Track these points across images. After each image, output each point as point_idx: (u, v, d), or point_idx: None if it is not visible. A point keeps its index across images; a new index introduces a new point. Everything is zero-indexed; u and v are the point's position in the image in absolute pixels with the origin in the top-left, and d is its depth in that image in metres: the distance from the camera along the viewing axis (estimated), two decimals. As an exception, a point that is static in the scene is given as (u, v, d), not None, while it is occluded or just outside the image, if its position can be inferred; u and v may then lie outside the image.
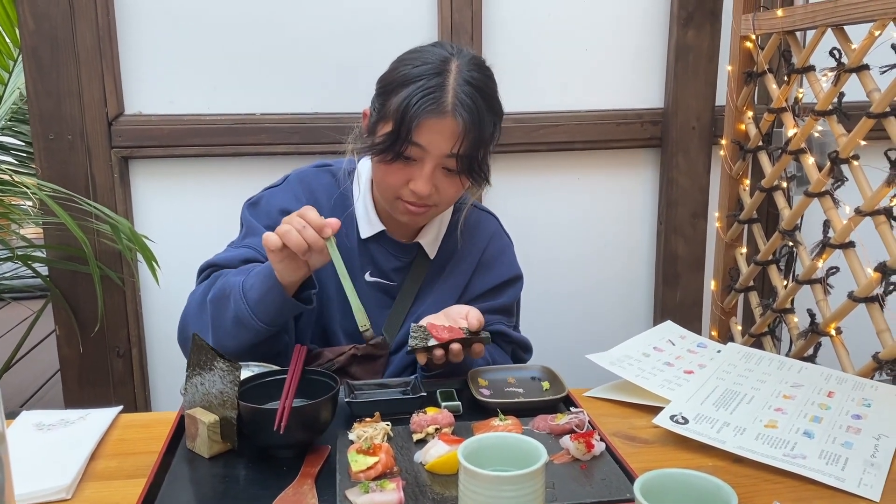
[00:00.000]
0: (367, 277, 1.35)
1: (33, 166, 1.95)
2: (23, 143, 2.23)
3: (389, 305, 1.36)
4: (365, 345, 1.28)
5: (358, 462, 0.92)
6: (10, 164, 1.97)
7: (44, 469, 0.97)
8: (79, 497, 0.93)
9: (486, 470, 0.75)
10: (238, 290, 1.16)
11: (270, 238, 1.09)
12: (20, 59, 1.84)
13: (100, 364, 1.84)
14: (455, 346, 1.15)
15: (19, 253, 1.81)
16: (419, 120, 1.15)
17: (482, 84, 1.21)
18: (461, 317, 1.18)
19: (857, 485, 0.93)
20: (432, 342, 1.14)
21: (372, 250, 1.35)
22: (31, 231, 2.10)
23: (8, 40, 1.86)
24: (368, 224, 1.34)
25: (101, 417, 1.13)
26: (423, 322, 1.17)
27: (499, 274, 1.39)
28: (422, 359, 1.17)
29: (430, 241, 1.36)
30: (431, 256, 1.37)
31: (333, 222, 1.11)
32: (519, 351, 1.41)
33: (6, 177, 1.77)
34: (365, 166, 1.37)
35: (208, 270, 1.29)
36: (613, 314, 2.03)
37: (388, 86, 1.22)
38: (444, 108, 1.16)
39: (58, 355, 1.85)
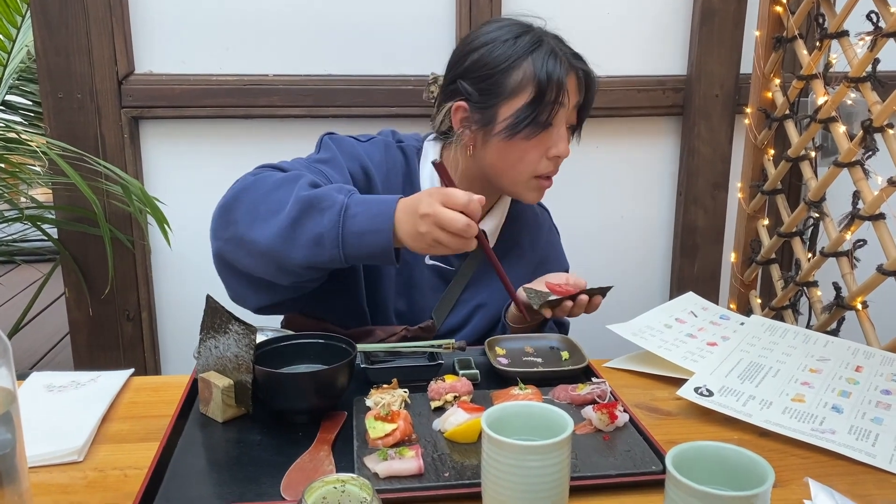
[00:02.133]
0: (427, 260, 1.33)
1: (41, 126, 1.93)
2: (31, 103, 2.20)
3: (442, 289, 1.34)
4: (415, 327, 1.28)
5: (376, 429, 0.90)
6: (18, 123, 1.93)
7: (55, 431, 0.95)
8: (91, 459, 0.91)
9: (510, 439, 0.72)
10: (339, 209, 1.05)
11: (457, 221, 1.00)
12: (28, 15, 1.80)
13: (109, 327, 1.83)
14: (582, 297, 1.21)
15: (28, 214, 1.79)
16: (563, 79, 1.20)
17: (565, 40, 1.28)
18: (562, 280, 1.24)
19: (889, 461, 0.90)
20: (553, 297, 1.19)
21: None
22: (40, 192, 2.08)
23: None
24: None
25: (112, 380, 1.11)
26: (533, 286, 1.24)
27: (556, 269, 1.38)
28: (548, 313, 1.21)
29: (492, 229, 1.35)
30: (491, 245, 1.33)
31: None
32: (562, 330, 1.43)
33: (14, 135, 1.75)
34: (433, 150, 1.33)
35: (271, 168, 1.19)
36: (630, 285, 2.00)
37: (494, 68, 1.22)
38: (566, 66, 1.22)
39: (67, 318, 1.83)
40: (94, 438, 0.95)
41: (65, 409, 1.02)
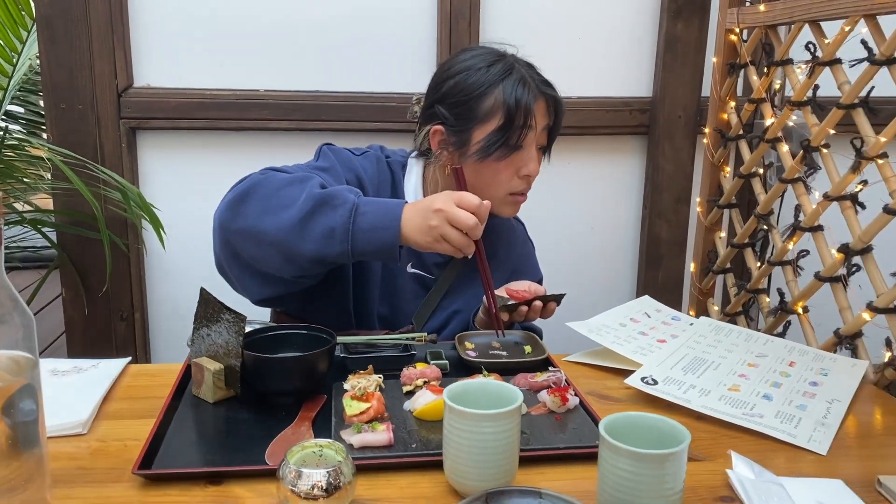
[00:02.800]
0: (409, 269, 1.43)
1: (41, 135, 2.03)
2: (31, 113, 2.30)
3: (423, 296, 1.44)
4: (397, 332, 1.38)
5: (352, 407, 1.01)
6: (18, 131, 2.03)
7: (61, 408, 1.04)
8: (94, 433, 1.01)
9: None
10: (350, 206, 1.15)
11: (468, 219, 1.13)
12: (33, 30, 1.91)
13: (104, 327, 1.92)
14: (536, 303, 1.31)
15: (29, 218, 1.88)
16: (531, 105, 1.29)
17: (536, 67, 1.38)
18: (524, 288, 1.35)
19: (808, 440, 1.02)
20: (512, 303, 1.30)
21: None
22: (38, 198, 2.17)
23: (23, 12, 1.92)
24: None
25: (111, 366, 1.21)
26: (497, 291, 1.34)
27: (530, 277, 1.50)
28: (505, 317, 1.32)
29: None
30: (469, 255, 1.44)
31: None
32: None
33: (15, 143, 1.85)
34: (416, 167, 1.44)
35: (276, 169, 1.28)
36: (598, 293, 2.11)
37: (468, 94, 1.31)
38: (535, 92, 1.31)
39: (63, 317, 1.93)
40: (95, 415, 1.05)
41: (69, 390, 1.11)
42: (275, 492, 0.83)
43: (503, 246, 1.51)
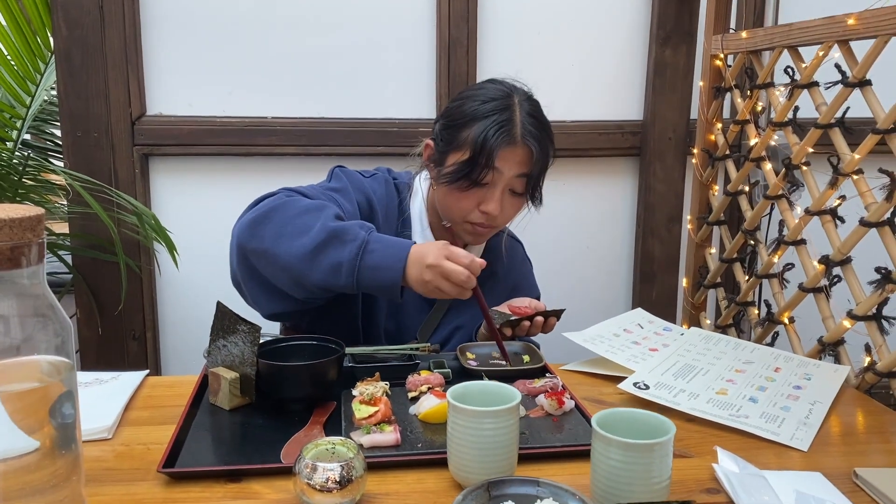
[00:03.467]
0: None
1: (54, 163, 2.11)
2: (44, 142, 2.38)
3: (427, 311, 1.51)
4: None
5: (361, 410, 1.07)
6: (34, 159, 2.11)
7: (86, 415, 1.10)
8: (118, 437, 1.07)
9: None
10: (360, 243, 1.21)
11: (460, 274, 1.19)
12: (51, 62, 2.00)
13: (116, 346, 1.98)
14: (538, 319, 1.37)
15: (46, 242, 1.95)
16: (498, 149, 1.32)
17: (541, 116, 1.39)
18: (525, 304, 1.41)
19: (790, 438, 1.08)
20: (513, 318, 1.36)
21: None
22: (53, 224, 2.25)
23: (41, 44, 2.01)
24: (423, 238, 1.48)
25: (131, 378, 1.28)
26: (498, 308, 1.41)
27: (527, 294, 1.56)
28: (508, 332, 1.38)
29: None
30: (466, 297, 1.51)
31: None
32: None
33: (34, 170, 1.93)
34: (420, 185, 1.51)
35: (295, 193, 1.34)
36: (594, 309, 2.18)
37: (457, 120, 1.37)
38: (516, 138, 1.33)
39: (77, 337, 1.99)
40: (119, 422, 1.12)
41: (92, 400, 1.18)
42: (291, 487, 0.89)
43: (502, 264, 1.57)
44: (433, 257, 1.19)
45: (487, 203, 1.37)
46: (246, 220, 1.29)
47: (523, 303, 1.44)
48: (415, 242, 1.24)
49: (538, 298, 1.62)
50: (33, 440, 0.79)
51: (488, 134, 1.31)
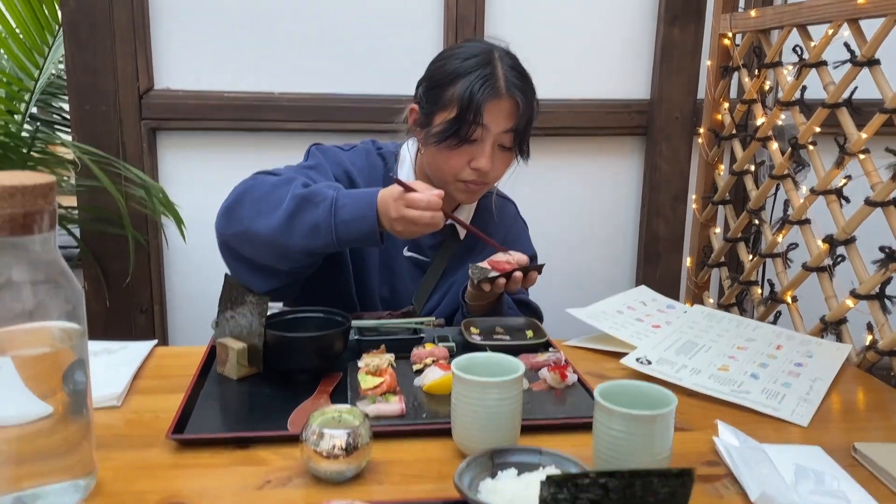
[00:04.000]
0: (406, 252, 1.51)
1: (62, 136, 2.12)
2: (50, 115, 2.39)
3: (420, 277, 1.53)
4: (399, 312, 1.44)
5: (366, 381, 1.09)
6: (43, 131, 2.12)
7: (96, 383, 1.11)
8: (127, 405, 1.09)
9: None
10: (330, 202, 1.24)
11: (422, 217, 1.21)
12: (59, 35, 2.00)
13: (124, 319, 2.00)
14: (517, 274, 1.34)
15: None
16: (485, 103, 1.32)
17: (522, 69, 1.40)
18: (505, 258, 1.37)
19: (790, 414, 1.09)
20: (493, 274, 1.33)
21: None
22: (62, 197, 2.26)
23: (49, 16, 2.01)
24: None
25: (139, 348, 1.29)
26: (480, 264, 1.37)
27: (521, 252, 1.54)
28: (487, 287, 1.34)
29: (463, 219, 1.53)
30: (462, 237, 1.53)
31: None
32: (534, 318, 1.57)
33: (42, 144, 1.94)
34: (408, 152, 1.52)
35: (266, 174, 1.37)
36: (598, 289, 2.19)
37: (440, 80, 1.38)
38: (501, 91, 1.34)
39: (85, 310, 2.00)
40: (128, 390, 1.13)
41: (101, 369, 1.19)
42: (298, 455, 0.91)
43: (493, 224, 1.58)
44: (394, 210, 1.22)
45: (478, 159, 1.37)
46: (222, 209, 1.33)
47: (503, 257, 1.41)
48: (381, 189, 1.26)
49: (535, 257, 1.62)
50: (47, 405, 0.81)
51: (473, 89, 1.32)
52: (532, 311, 1.59)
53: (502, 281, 1.35)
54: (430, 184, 1.47)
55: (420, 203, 1.21)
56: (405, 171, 1.51)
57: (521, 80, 1.38)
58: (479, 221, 1.56)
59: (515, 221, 1.65)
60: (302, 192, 1.26)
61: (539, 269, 1.40)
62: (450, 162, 1.39)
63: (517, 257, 1.38)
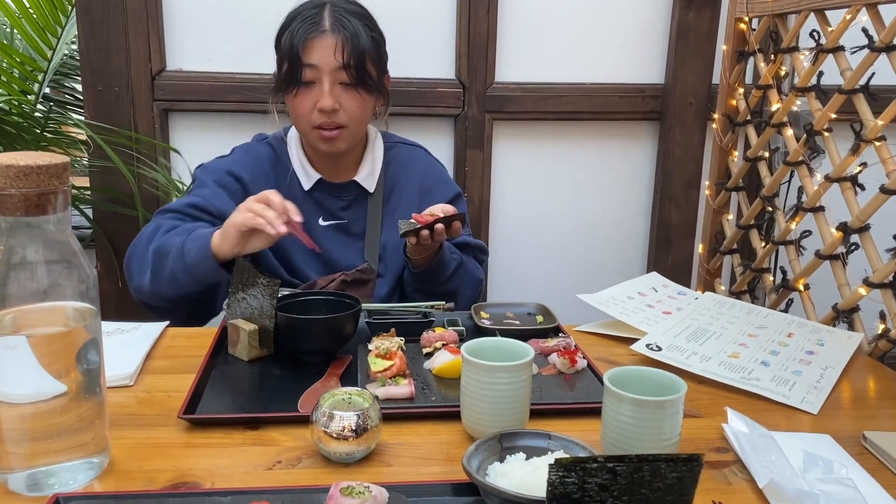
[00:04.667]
0: (321, 222, 1.53)
1: (75, 117, 2.12)
2: (63, 95, 2.40)
3: (351, 242, 1.54)
4: (353, 271, 1.48)
5: (376, 364, 1.09)
6: (56, 111, 2.13)
7: (109, 363, 1.12)
8: (139, 385, 1.10)
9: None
10: (178, 250, 1.31)
11: (238, 218, 1.23)
12: (72, 15, 2.00)
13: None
14: (438, 226, 1.34)
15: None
16: (303, 41, 1.38)
17: (356, 8, 1.46)
18: (429, 211, 1.38)
19: (801, 401, 1.09)
20: (416, 226, 1.34)
21: (317, 198, 1.53)
22: (75, 178, 2.27)
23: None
24: (307, 176, 1.53)
25: (151, 328, 1.30)
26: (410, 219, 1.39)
27: (443, 194, 1.58)
28: (412, 240, 1.35)
29: (365, 176, 1.55)
30: (371, 190, 1.55)
31: (292, 207, 1.25)
32: (479, 253, 1.62)
33: (55, 124, 1.94)
34: (295, 131, 1.56)
35: (160, 215, 1.45)
36: (610, 274, 2.18)
37: (277, 36, 1.46)
38: (324, 27, 1.40)
39: (98, 290, 2.02)
40: (140, 370, 1.14)
41: (114, 349, 1.20)
42: (308, 436, 0.92)
43: (404, 171, 1.60)
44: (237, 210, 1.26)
45: (320, 98, 1.41)
46: (126, 255, 1.43)
47: (428, 210, 1.40)
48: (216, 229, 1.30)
49: (461, 194, 1.63)
50: (61, 384, 0.82)
51: (294, 31, 1.39)
52: (474, 249, 1.60)
53: (425, 233, 1.33)
54: (316, 157, 1.54)
55: (263, 198, 1.24)
56: (293, 150, 1.55)
57: (351, 16, 1.42)
58: (388, 173, 1.59)
59: (430, 167, 1.65)
60: (156, 247, 1.35)
61: (461, 217, 1.37)
62: (298, 111, 1.44)
63: (445, 209, 1.37)
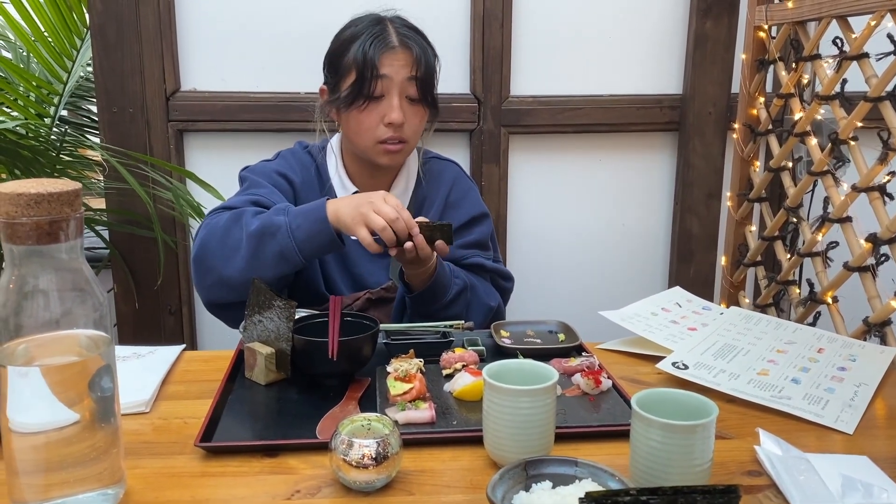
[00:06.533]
0: (352, 237, 1.50)
1: (90, 139, 2.13)
2: (79, 118, 2.40)
3: (381, 259, 1.53)
4: (378, 289, 1.47)
5: (396, 387, 1.07)
6: (71, 134, 2.13)
7: (125, 389, 1.10)
8: (155, 411, 1.08)
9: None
10: (285, 228, 1.30)
11: (376, 220, 1.24)
12: (87, 38, 2.00)
13: (153, 320, 2.01)
14: (419, 240, 1.27)
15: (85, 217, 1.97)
16: (378, 56, 1.41)
17: (414, 25, 1.50)
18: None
19: (835, 420, 1.05)
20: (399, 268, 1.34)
21: None
22: (91, 199, 2.27)
23: (77, 20, 2.02)
24: (344, 190, 1.54)
25: (167, 352, 1.29)
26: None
27: (466, 212, 1.57)
28: (392, 251, 1.30)
29: (401, 192, 1.56)
30: (405, 204, 1.54)
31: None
32: (498, 279, 1.59)
33: (71, 146, 1.94)
34: (335, 143, 1.58)
35: (218, 212, 1.42)
36: (630, 288, 2.15)
37: (336, 51, 1.48)
38: (393, 41, 1.43)
39: (115, 312, 2.02)
40: (156, 395, 1.13)
41: (130, 374, 1.19)
42: (327, 463, 0.89)
43: (434, 187, 1.60)
44: (373, 195, 1.28)
45: (389, 113, 1.43)
46: (192, 262, 1.41)
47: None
48: (327, 199, 1.32)
49: (486, 215, 1.60)
50: (74, 413, 0.80)
51: (365, 46, 1.41)
52: (491, 273, 1.56)
53: (409, 245, 1.28)
54: (356, 171, 1.54)
55: (395, 203, 1.26)
56: (332, 162, 1.56)
57: (414, 31, 1.48)
58: (420, 189, 1.59)
59: (459, 181, 1.63)
60: (256, 228, 1.32)
61: (447, 229, 1.30)
62: (364, 125, 1.45)
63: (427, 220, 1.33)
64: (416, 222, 1.28)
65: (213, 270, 1.36)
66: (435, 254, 1.38)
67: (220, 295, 1.39)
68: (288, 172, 1.52)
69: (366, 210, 1.25)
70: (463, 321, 1.31)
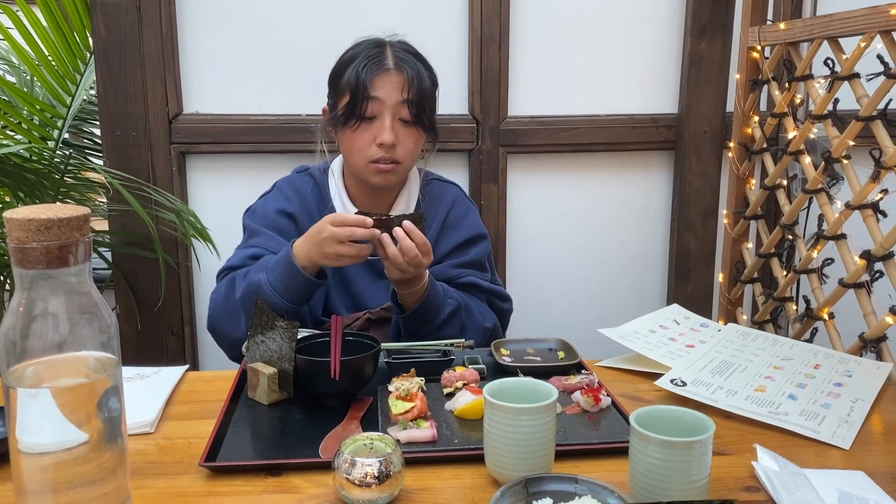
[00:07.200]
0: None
1: (94, 161, 2.15)
2: (82, 140, 2.43)
3: (373, 275, 1.55)
4: (378, 309, 1.49)
5: (397, 406, 1.08)
6: (75, 157, 2.15)
7: (129, 410, 1.12)
8: (160, 432, 1.09)
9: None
10: (266, 286, 1.37)
11: (341, 249, 1.30)
12: (90, 62, 2.03)
13: (156, 341, 2.02)
14: (384, 237, 1.31)
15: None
16: (370, 77, 1.43)
17: (414, 50, 1.52)
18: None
19: (831, 436, 1.06)
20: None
21: None
22: (94, 221, 2.29)
23: (81, 45, 2.05)
24: (345, 210, 1.55)
25: (171, 373, 1.30)
26: None
27: (463, 233, 1.58)
28: (383, 255, 1.33)
29: (401, 212, 1.54)
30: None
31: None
32: (495, 300, 1.60)
33: (75, 169, 1.97)
34: (337, 164, 1.60)
35: (224, 273, 1.51)
36: (629, 305, 2.16)
37: (336, 72, 1.51)
38: (388, 64, 1.45)
39: (119, 339, 2.02)
40: (160, 416, 1.14)
41: (134, 395, 1.20)
42: (330, 482, 0.90)
43: (434, 207, 1.61)
44: (323, 228, 1.31)
45: (380, 134, 1.44)
46: (209, 330, 1.51)
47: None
48: (293, 242, 1.38)
49: (484, 237, 1.61)
50: (82, 433, 0.81)
51: (359, 68, 1.44)
52: (487, 294, 1.57)
53: (392, 250, 1.30)
54: (356, 191, 1.57)
55: (346, 221, 1.30)
56: (333, 183, 1.58)
57: (411, 53, 1.50)
58: (421, 207, 1.60)
59: (458, 203, 1.64)
60: (242, 293, 1.40)
61: (413, 218, 1.32)
62: (356, 145, 1.47)
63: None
64: (389, 216, 1.34)
65: (226, 335, 1.46)
66: (427, 273, 1.40)
67: (239, 352, 1.41)
68: (286, 207, 1.55)
69: (327, 248, 1.31)
70: (463, 340, 1.32)
